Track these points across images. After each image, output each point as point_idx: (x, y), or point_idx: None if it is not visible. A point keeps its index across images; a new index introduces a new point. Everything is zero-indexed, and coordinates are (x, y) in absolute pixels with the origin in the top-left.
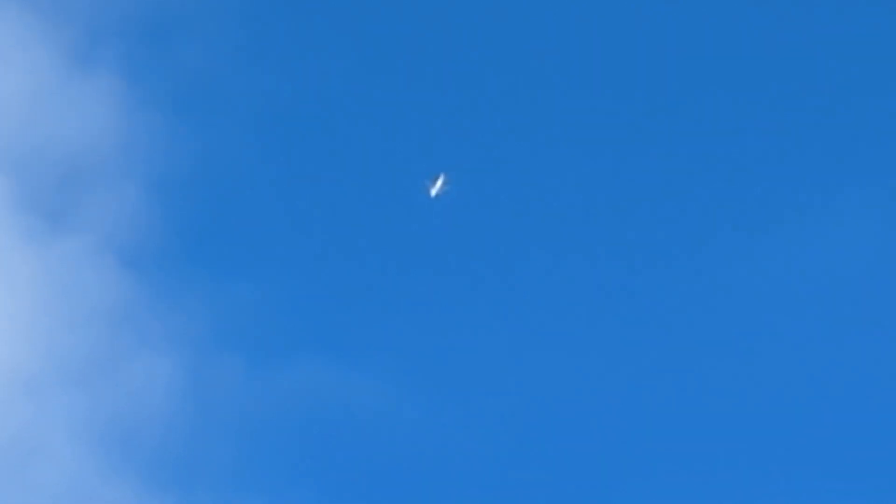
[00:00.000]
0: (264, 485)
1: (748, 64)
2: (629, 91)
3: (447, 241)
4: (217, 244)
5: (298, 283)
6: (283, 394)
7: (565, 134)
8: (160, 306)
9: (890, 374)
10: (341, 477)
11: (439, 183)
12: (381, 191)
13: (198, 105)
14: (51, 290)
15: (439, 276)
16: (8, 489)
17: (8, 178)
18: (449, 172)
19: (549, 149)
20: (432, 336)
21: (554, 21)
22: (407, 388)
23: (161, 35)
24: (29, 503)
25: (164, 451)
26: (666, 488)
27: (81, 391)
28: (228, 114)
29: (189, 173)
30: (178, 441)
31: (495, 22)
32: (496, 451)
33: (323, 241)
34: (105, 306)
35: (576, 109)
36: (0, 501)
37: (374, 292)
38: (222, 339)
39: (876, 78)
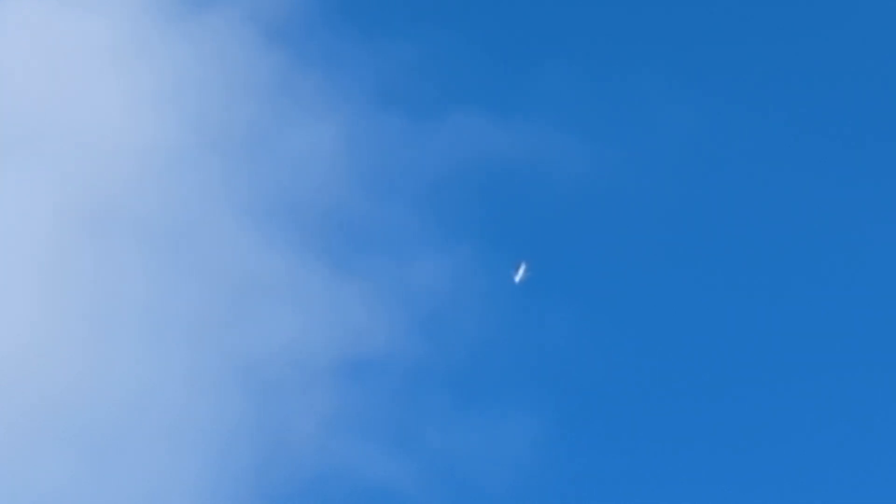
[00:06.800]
0: (432, 242)
1: None
2: None
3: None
4: (366, 6)
5: (453, 39)
6: (445, 149)
7: None
8: (313, 74)
9: None
10: (507, 228)
11: (522, 270)
12: None
13: None
14: (198, 65)
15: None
16: (171, 261)
17: None
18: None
19: None
20: (589, 84)
21: None
22: (566, 137)
23: None
24: (195, 275)
25: (329, 217)
26: None
27: (238, 163)
28: None
29: None
30: (342, 205)
31: None
32: (656, 193)
33: None
34: (254, 78)
35: None
36: (167, 274)
37: (527, 45)
38: (380, 100)
39: None
